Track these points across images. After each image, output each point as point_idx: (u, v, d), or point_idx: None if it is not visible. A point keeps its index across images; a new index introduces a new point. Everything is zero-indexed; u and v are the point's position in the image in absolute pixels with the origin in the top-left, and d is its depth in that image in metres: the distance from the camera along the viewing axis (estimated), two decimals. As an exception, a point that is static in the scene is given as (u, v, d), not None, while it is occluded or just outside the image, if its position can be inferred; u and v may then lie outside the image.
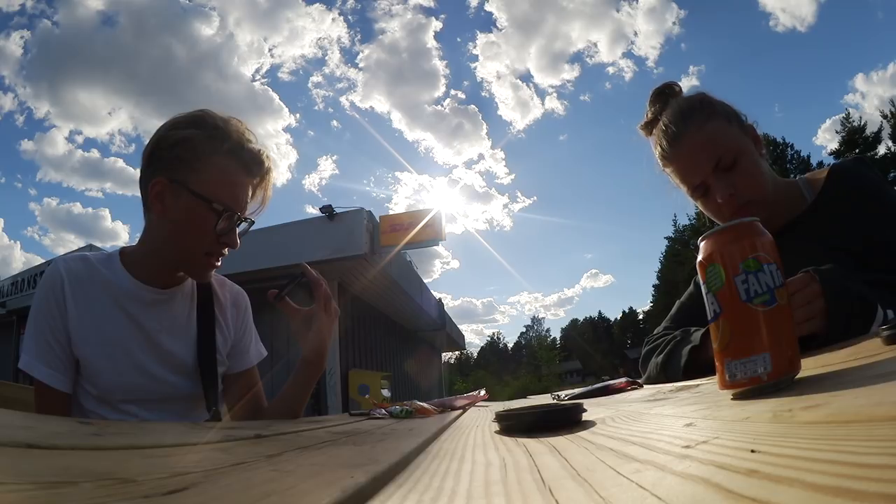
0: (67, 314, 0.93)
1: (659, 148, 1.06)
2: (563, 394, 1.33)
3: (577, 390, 1.33)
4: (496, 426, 0.60)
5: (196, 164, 0.92)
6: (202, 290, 1.07)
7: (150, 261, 0.98)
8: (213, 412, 1.02)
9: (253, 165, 0.98)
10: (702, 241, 0.52)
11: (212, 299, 1.08)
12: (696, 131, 0.99)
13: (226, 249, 0.97)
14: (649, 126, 1.12)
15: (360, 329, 9.05)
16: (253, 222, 1.01)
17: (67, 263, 0.97)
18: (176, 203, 0.92)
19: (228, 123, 0.97)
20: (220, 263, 0.98)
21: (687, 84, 1.11)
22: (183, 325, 1.03)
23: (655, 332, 1.16)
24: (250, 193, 0.98)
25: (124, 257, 1.00)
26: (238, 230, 0.97)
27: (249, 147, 0.97)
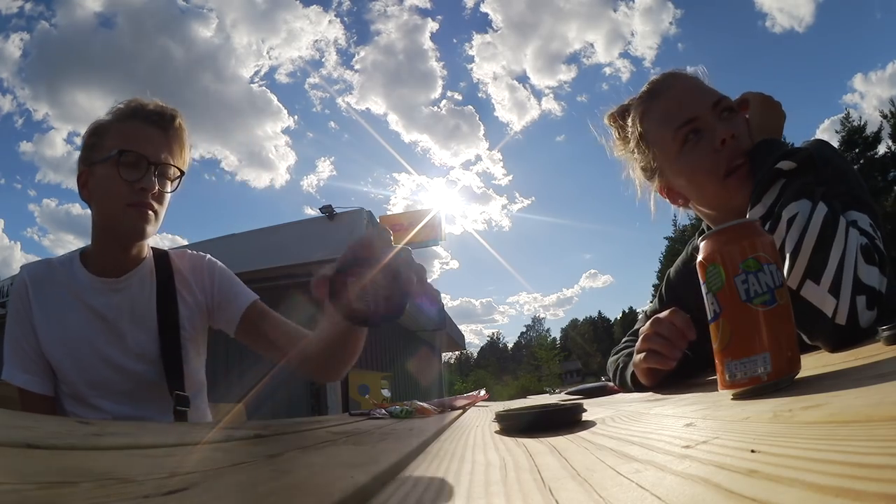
0: (33, 318, 0.95)
1: (638, 104, 0.93)
2: (559, 391, 1.34)
3: (574, 388, 1.35)
4: (496, 426, 0.60)
5: (102, 142, 0.95)
6: (161, 269, 1.04)
7: (98, 249, 0.99)
8: (175, 397, 0.97)
9: (152, 116, 0.97)
10: (702, 241, 0.52)
11: (172, 276, 1.04)
12: (691, 79, 0.90)
13: (153, 202, 0.94)
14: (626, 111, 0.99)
15: (360, 329, 9.03)
16: (182, 171, 0.99)
17: (30, 269, 1.01)
18: (93, 181, 0.95)
19: (134, 99, 0.99)
20: (151, 214, 0.95)
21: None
22: (143, 310, 1.00)
23: (621, 342, 1.07)
24: (163, 142, 0.97)
25: (83, 256, 1.01)
26: (167, 177, 0.97)
27: (146, 105, 0.98)
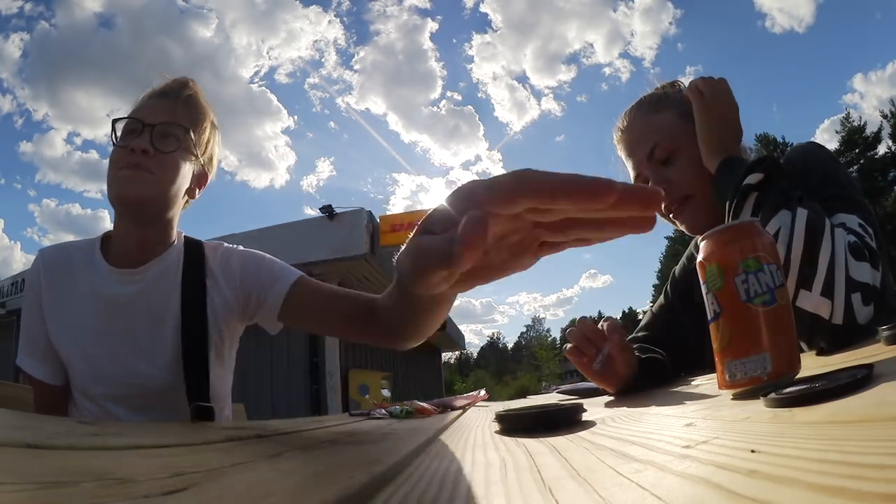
0: (43, 304, 0.90)
1: (616, 134, 1.02)
2: (554, 388, 1.34)
3: (568, 386, 1.36)
4: (496, 426, 0.60)
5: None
6: (191, 261, 0.94)
7: (116, 232, 0.92)
8: (194, 408, 0.86)
9: (160, 90, 0.93)
10: (702, 241, 0.52)
11: (204, 271, 0.94)
12: (640, 120, 0.97)
13: (148, 163, 0.85)
14: None
15: (360, 329, 9.02)
16: (187, 129, 0.90)
17: (45, 253, 0.95)
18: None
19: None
20: (146, 174, 0.85)
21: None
22: (163, 307, 0.91)
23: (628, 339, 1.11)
24: (166, 108, 0.90)
25: (104, 242, 0.94)
26: (170, 137, 0.88)
27: (158, 85, 0.94)
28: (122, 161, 0.85)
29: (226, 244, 0.99)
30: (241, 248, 0.99)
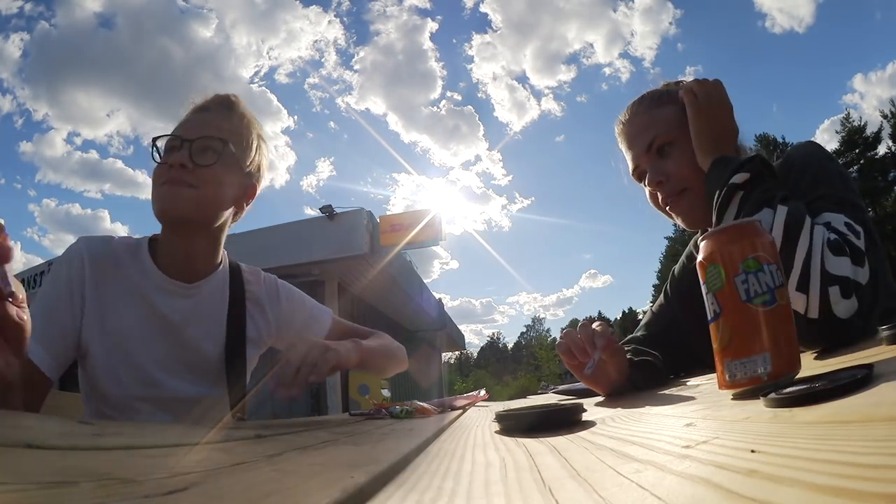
0: (84, 298, 0.86)
1: (617, 128, 1.04)
2: (551, 388, 1.34)
3: (565, 386, 1.36)
4: (496, 426, 0.60)
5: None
6: (235, 283, 0.99)
7: (163, 240, 0.93)
8: (238, 420, 0.92)
9: (202, 105, 0.95)
10: (702, 241, 0.52)
11: (242, 294, 1.00)
12: (642, 114, 0.98)
13: (187, 177, 0.86)
14: None
15: (360, 329, 9.03)
16: (225, 142, 0.90)
17: (90, 243, 0.91)
18: None
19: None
20: (187, 188, 0.86)
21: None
22: (212, 323, 0.95)
23: (626, 339, 1.09)
24: (205, 123, 0.91)
25: (153, 246, 0.93)
26: (209, 150, 0.89)
27: (200, 101, 0.96)
28: (162, 177, 0.87)
29: (263, 272, 1.06)
30: (277, 279, 1.08)
